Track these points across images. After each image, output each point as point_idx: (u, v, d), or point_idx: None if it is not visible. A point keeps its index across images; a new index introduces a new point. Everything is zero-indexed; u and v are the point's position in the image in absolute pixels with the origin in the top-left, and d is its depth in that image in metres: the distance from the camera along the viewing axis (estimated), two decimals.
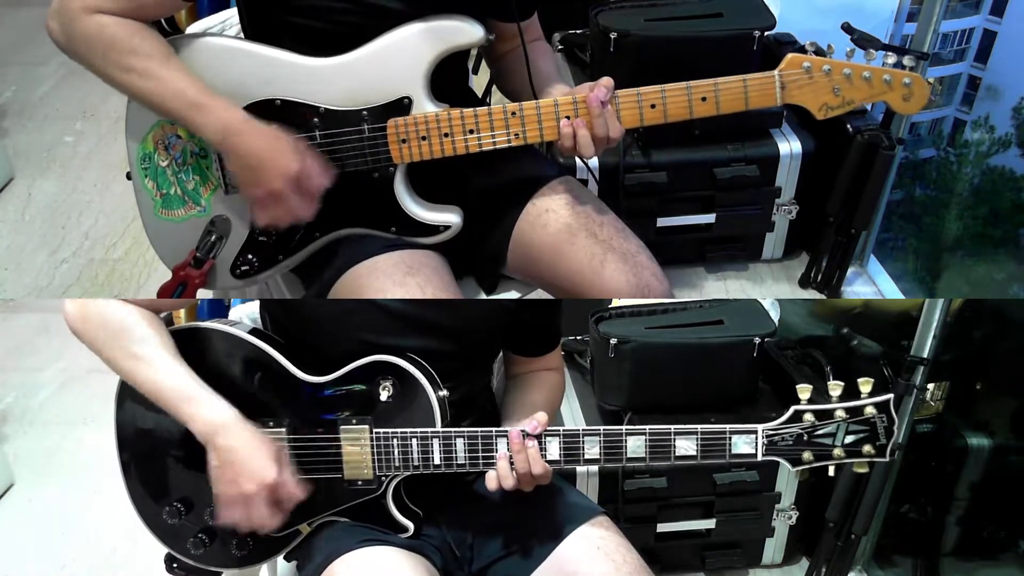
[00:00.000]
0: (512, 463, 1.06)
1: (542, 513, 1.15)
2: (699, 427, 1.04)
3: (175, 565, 1.18)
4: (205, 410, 1.03)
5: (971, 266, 9.73)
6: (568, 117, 1.19)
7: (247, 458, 1.02)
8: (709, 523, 1.93)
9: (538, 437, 1.06)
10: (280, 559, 1.19)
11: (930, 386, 1.72)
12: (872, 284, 2.28)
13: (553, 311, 1.27)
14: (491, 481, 1.07)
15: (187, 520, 1.13)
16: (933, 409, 1.79)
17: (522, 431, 1.05)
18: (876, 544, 1.96)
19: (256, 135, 1.14)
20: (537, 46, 1.36)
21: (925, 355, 1.68)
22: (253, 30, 1.25)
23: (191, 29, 1.47)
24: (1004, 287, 9.25)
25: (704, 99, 1.19)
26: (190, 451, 1.12)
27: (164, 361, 1.05)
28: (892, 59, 1.17)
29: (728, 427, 1.04)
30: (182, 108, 1.13)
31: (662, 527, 1.91)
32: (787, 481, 1.91)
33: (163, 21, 1.26)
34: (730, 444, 1.04)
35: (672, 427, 1.05)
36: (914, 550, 1.97)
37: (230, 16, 1.45)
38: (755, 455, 1.04)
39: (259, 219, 1.20)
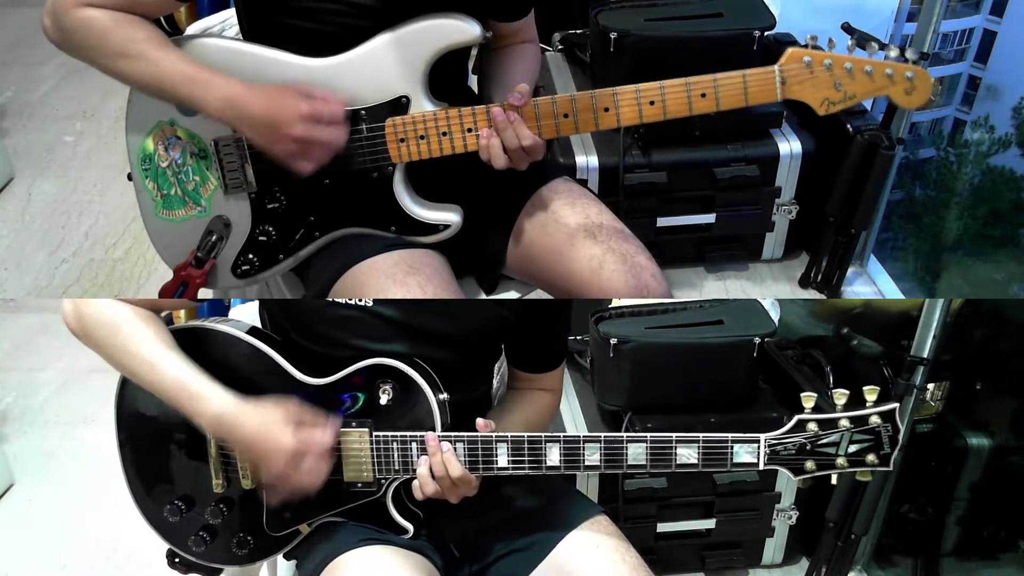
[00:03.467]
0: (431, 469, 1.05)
1: (542, 513, 1.15)
2: (700, 435, 1.03)
3: (176, 561, 1.18)
4: (208, 404, 1.03)
5: (971, 266, 9.72)
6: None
7: (262, 439, 1.02)
8: (709, 523, 1.93)
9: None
10: (280, 558, 1.19)
11: (930, 386, 1.72)
12: (872, 284, 2.28)
13: (558, 328, 1.26)
14: (415, 491, 1.07)
15: (188, 517, 1.14)
16: (933, 409, 1.79)
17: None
18: (876, 544, 1.96)
19: (256, 98, 1.14)
20: (523, 48, 1.36)
21: (925, 355, 1.68)
22: (252, 31, 1.25)
23: (191, 29, 1.47)
24: (1004, 287, 9.24)
25: (704, 95, 1.18)
26: (191, 449, 1.12)
27: (164, 357, 1.05)
28: (894, 53, 1.16)
29: (730, 436, 1.03)
30: (182, 85, 1.13)
31: (662, 527, 1.91)
32: (787, 481, 1.91)
33: (163, 21, 1.27)
34: (732, 453, 1.03)
35: (674, 435, 1.04)
36: (914, 550, 1.97)
37: (230, 16, 1.45)
38: (757, 464, 1.03)
39: (302, 168, 1.18)
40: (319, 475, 1.04)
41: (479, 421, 1.06)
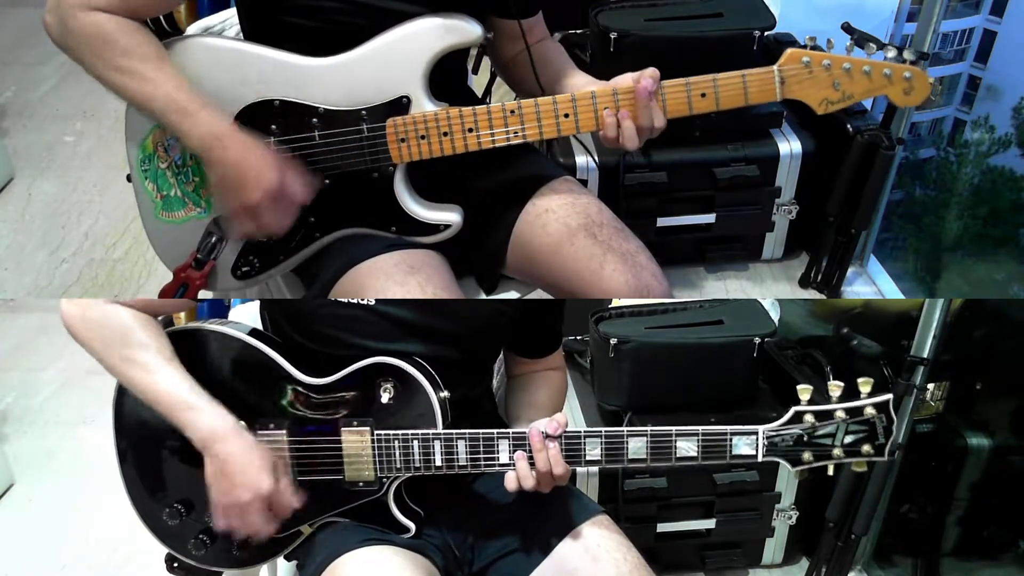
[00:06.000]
0: (532, 463, 1.06)
1: (542, 513, 1.15)
2: (700, 428, 1.04)
3: (176, 565, 1.18)
4: (202, 418, 1.03)
5: (971, 266, 9.71)
6: (607, 108, 1.19)
7: (243, 468, 1.02)
8: (709, 523, 1.93)
9: (558, 436, 1.06)
10: (281, 559, 1.19)
11: (930, 386, 1.72)
12: (872, 284, 2.29)
13: (554, 313, 1.27)
14: (511, 482, 1.06)
15: (188, 521, 1.14)
16: (933, 409, 1.79)
17: (543, 432, 1.05)
18: (876, 544, 1.96)
19: (238, 147, 1.13)
20: (547, 43, 1.36)
21: (925, 355, 1.68)
22: (252, 31, 1.25)
23: (192, 28, 1.47)
24: (1004, 287, 9.23)
25: (703, 95, 1.18)
26: (190, 452, 1.12)
27: (161, 367, 1.05)
28: (892, 53, 1.17)
29: (729, 428, 1.04)
30: (169, 112, 1.12)
31: (662, 527, 1.91)
32: (787, 481, 1.91)
33: (163, 20, 1.27)
34: (731, 445, 1.04)
35: (673, 428, 1.05)
36: (914, 550, 1.96)
37: (231, 15, 1.45)
38: (755, 456, 1.04)
39: (234, 231, 1.21)
40: (267, 529, 1.05)
41: (558, 417, 1.07)
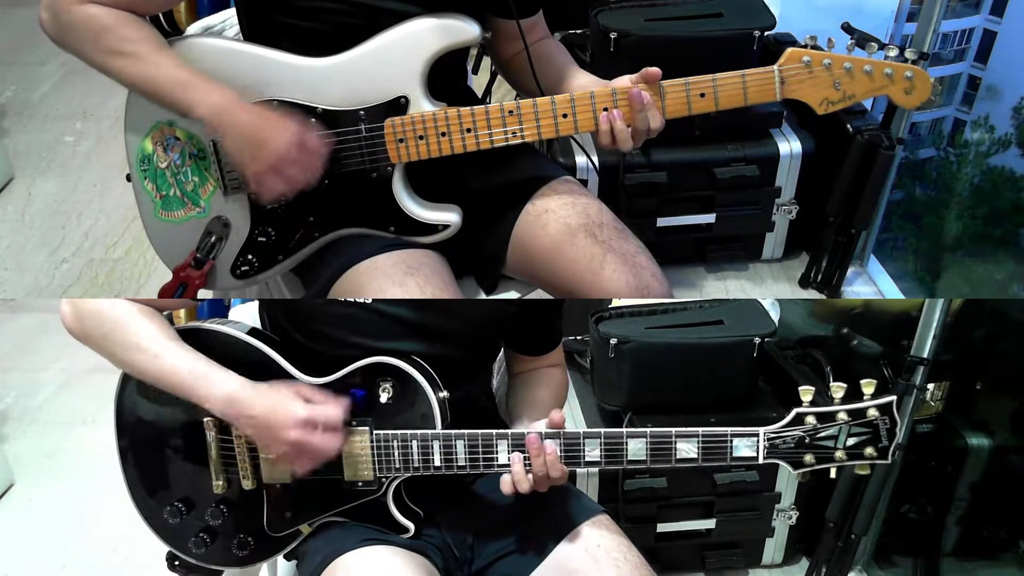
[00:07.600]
0: (528, 466, 1.05)
1: (542, 513, 1.15)
2: (700, 430, 1.04)
3: (176, 563, 1.18)
4: (219, 386, 1.03)
5: (971, 266, 9.71)
6: (606, 109, 1.19)
7: (272, 414, 1.02)
8: (709, 523, 1.93)
9: (557, 436, 1.05)
10: (280, 558, 1.19)
11: (930, 386, 1.72)
12: (872, 284, 2.29)
13: (554, 311, 1.28)
14: (506, 485, 1.06)
15: (188, 519, 1.14)
16: (933, 409, 1.79)
17: (539, 433, 1.05)
18: (876, 544, 1.96)
19: (248, 110, 1.14)
20: (548, 43, 1.36)
21: (925, 355, 1.68)
22: (251, 31, 1.25)
23: (192, 29, 1.47)
24: (1004, 287, 9.22)
25: (703, 95, 1.18)
26: (191, 451, 1.12)
27: (169, 348, 1.05)
28: (894, 52, 1.17)
29: (729, 430, 1.03)
30: (175, 89, 1.13)
31: (662, 527, 1.91)
32: (787, 481, 1.91)
33: (163, 21, 1.27)
34: (731, 447, 1.03)
35: (673, 430, 1.04)
36: (914, 550, 1.97)
37: (230, 16, 1.45)
38: (756, 458, 1.03)
39: (264, 195, 1.19)
40: (332, 444, 1.04)
41: (554, 416, 1.06)
